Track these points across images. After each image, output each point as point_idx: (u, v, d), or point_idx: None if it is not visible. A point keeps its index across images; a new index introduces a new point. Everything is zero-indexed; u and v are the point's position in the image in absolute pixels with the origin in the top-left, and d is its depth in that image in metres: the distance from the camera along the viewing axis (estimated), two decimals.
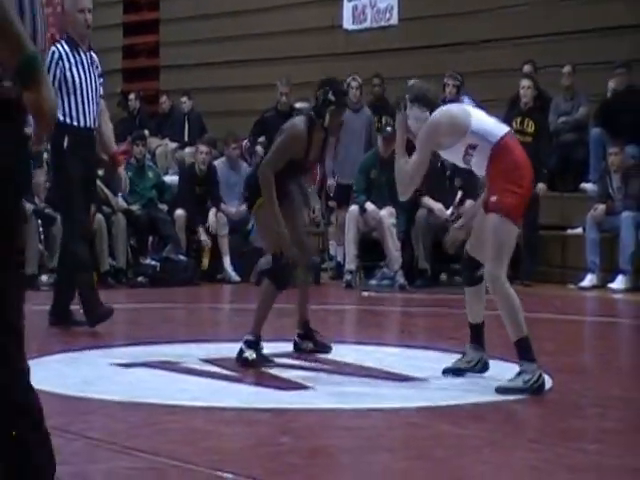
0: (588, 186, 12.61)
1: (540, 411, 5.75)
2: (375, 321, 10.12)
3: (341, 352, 7.32)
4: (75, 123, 7.86)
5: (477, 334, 6.36)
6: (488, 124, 6.24)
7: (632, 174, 12.05)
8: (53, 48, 7.94)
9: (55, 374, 6.45)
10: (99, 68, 8.24)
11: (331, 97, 7.03)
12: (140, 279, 12.34)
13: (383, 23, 15.78)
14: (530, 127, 12.41)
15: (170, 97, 17.12)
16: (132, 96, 17.63)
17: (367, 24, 16.01)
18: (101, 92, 8.23)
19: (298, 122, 7.18)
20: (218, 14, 17.92)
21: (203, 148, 13.19)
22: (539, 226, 12.52)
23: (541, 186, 12.24)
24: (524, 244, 12.40)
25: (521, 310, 6.03)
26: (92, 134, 8.12)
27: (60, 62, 7.92)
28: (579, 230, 12.35)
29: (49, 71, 7.57)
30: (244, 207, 13.18)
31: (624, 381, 7.05)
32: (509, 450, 4.88)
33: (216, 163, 13.43)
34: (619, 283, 11.76)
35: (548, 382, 6.27)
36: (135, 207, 12.80)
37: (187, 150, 15.60)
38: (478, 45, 14.22)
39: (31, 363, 6.58)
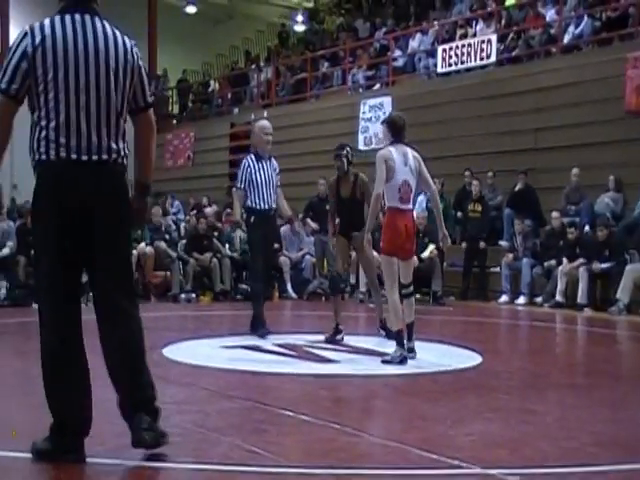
0: (503, 243, 12.63)
1: (474, 375, 5.77)
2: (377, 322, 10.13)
3: (356, 340, 7.36)
4: (258, 207, 7.51)
5: (409, 330, 6.12)
6: (394, 191, 5.95)
7: (528, 236, 12.10)
8: (245, 161, 7.68)
9: (187, 352, 6.53)
10: (277, 169, 7.70)
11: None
12: (238, 297, 12.41)
13: (381, 145, 15.73)
14: (478, 207, 12.59)
15: None
16: (234, 189, 17.79)
17: (373, 146, 16.05)
18: (278, 184, 7.69)
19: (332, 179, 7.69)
20: (283, 141, 18.09)
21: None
22: (485, 266, 12.65)
23: (482, 244, 12.46)
24: (474, 278, 12.52)
25: (400, 313, 5.95)
26: (269, 213, 7.64)
27: (248, 169, 7.54)
28: (498, 269, 12.35)
29: (242, 175, 7.59)
30: (300, 254, 13.32)
31: (524, 357, 7.10)
32: (455, 398, 4.91)
33: (282, 229, 13.45)
34: (521, 300, 11.80)
35: (478, 359, 6.31)
36: (235, 254, 12.87)
37: None
38: (441, 159, 14.25)
39: (174, 346, 6.70)
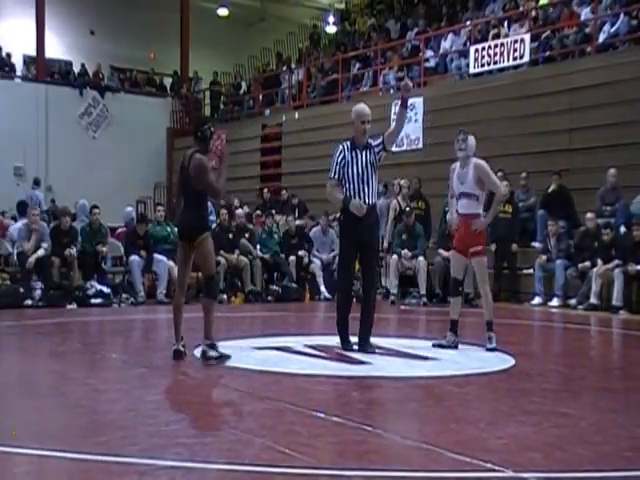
0: (536, 244, 12.50)
1: (506, 378, 5.72)
2: (409, 323, 10.11)
3: (388, 341, 7.32)
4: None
5: (454, 325, 6.98)
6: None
7: (561, 237, 11.98)
8: (340, 146, 6.65)
9: None
10: (377, 152, 6.63)
11: None
12: (269, 298, 12.45)
13: (413, 147, 15.86)
14: (509, 208, 12.45)
15: (287, 191, 17.30)
16: (265, 190, 17.87)
17: (404, 147, 16.04)
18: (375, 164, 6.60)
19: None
20: (314, 142, 18.16)
21: (290, 218, 13.70)
22: (516, 267, 12.53)
23: (514, 246, 12.35)
24: (505, 280, 12.42)
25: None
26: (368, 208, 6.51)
27: (342, 161, 6.53)
28: (531, 270, 12.24)
29: (334, 165, 6.55)
30: (332, 255, 13.23)
31: (557, 360, 7.01)
32: (488, 401, 4.87)
33: (313, 230, 13.51)
34: (554, 302, 11.69)
35: (511, 361, 6.26)
36: (267, 255, 12.89)
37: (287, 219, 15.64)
38: None
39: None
